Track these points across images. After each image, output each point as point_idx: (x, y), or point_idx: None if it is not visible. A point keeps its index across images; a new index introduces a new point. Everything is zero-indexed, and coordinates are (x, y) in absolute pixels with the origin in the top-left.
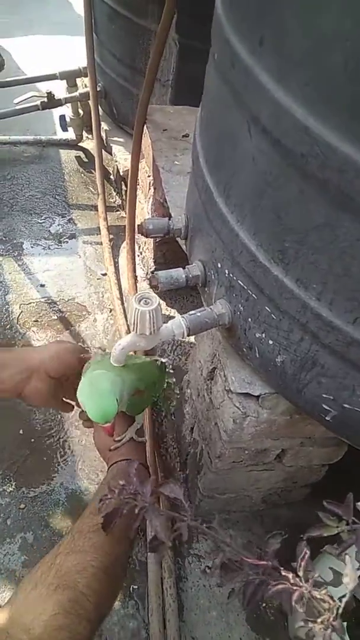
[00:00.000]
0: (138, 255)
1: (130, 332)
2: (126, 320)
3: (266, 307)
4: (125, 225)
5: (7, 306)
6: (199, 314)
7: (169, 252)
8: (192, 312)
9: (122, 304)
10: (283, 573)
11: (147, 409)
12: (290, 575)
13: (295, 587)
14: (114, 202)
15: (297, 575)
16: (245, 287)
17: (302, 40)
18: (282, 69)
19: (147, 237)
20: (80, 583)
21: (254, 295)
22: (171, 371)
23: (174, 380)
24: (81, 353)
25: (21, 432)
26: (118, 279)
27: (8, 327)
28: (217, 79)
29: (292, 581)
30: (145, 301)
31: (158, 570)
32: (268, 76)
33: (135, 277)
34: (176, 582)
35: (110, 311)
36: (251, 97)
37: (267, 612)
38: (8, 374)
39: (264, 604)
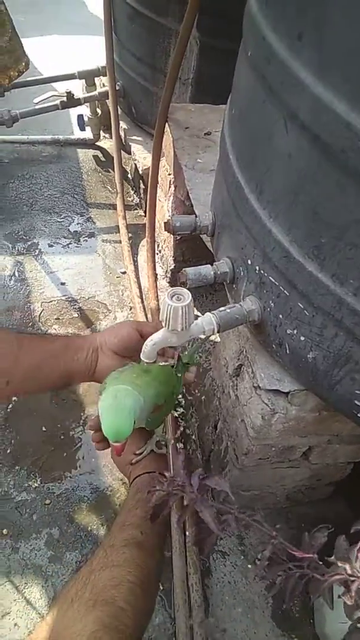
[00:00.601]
0: (157, 254)
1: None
2: (146, 318)
3: (299, 304)
4: (143, 224)
5: (28, 304)
6: (228, 310)
7: (188, 250)
8: (222, 308)
9: (142, 302)
10: (339, 564)
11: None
12: (348, 567)
13: (353, 578)
14: (132, 201)
15: (353, 567)
16: (277, 284)
17: (346, 34)
18: (322, 64)
19: (173, 234)
20: (117, 598)
21: (286, 291)
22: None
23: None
24: (138, 326)
25: (44, 429)
26: (137, 277)
27: (30, 324)
28: (251, 76)
29: (349, 572)
30: (178, 297)
31: (183, 566)
32: (307, 71)
33: (155, 275)
34: (201, 578)
35: (130, 309)
36: (288, 93)
37: (292, 609)
38: (83, 357)
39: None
